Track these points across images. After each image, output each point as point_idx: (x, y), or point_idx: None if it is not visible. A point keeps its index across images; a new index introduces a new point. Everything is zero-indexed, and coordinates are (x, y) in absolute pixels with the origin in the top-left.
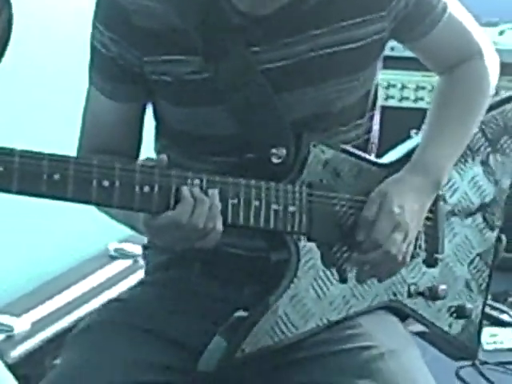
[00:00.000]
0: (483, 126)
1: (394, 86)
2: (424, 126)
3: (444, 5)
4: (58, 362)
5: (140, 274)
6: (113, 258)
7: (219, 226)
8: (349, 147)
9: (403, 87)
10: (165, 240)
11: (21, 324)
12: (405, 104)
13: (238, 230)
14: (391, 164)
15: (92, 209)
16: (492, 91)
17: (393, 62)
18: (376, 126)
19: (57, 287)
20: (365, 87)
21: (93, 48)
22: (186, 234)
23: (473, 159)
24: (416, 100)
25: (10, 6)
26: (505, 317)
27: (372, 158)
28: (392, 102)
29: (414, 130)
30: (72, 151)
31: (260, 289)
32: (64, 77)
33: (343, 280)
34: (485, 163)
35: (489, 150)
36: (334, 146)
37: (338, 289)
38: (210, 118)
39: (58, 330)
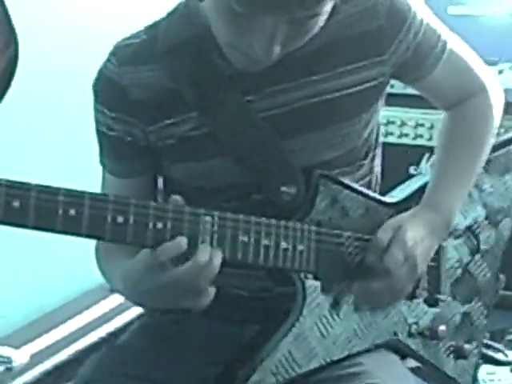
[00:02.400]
0: (487, 167)
1: (393, 122)
2: (434, 161)
3: (443, 43)
4: None
5: (138, 309)
6: (112, 291)
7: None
8: (357, 185)
9: (402, 124)
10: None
11: (20, 356)
12: (404, 141)
13: (242, 272)
14: (398, 203)
15: (92, 242)
16: (497, 125)
17: (392, 99)
18: (378, 167)
19: (56, 320)
20: (367, 128)
21: (98, 133)
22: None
23: (476, 199)
24: (415, 137)
25: (16, 40)
26: (500, 356)
27: (379, 196)
28: (391, 139)
29: (413, 167)
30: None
31: (262, 328)
32: (65, 109)
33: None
34: (487, 203)
35: (491, 190)
36: (342, 184)
37: (342, 328)
38: (215, 170)
39: (57, 362)
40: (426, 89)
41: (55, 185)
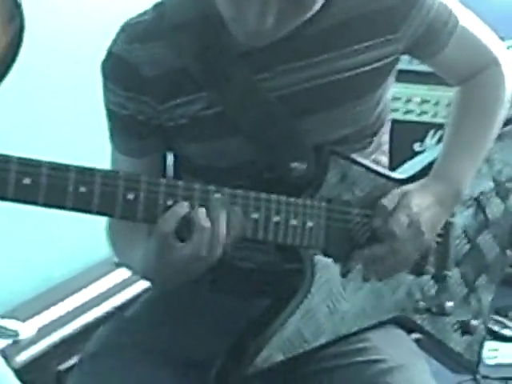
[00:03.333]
0: (498, 139)
1: (398, 99)
2: (444, 133)
3: (455, 19)
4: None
5: (144, 283)
6: (117, 265)
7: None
8: (367, 161)
9: (408, 100)
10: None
11: (27, 329)
12: (409, 117)
13: (250, 245)
14: (407, 179)
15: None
16: (509, 98)
17: (398, 75)
18: (387, 143)
19: (62, 293)
20: (379, 105)
21: (109, 112)
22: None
23: (485, 172)
24: (420, 114)
25: (21, 14)
26: (506, 331)
27: (389, 173)
28: (396, 115)
29: (418, 143)
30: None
31: (271, 303)
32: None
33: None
34: (496, 179)
35: (501, 165)
36: (353, 161)
37: (350, 304)
38: (228, 150)
39: (64, 335)
40: (439, 65)
41: (66, 162)
